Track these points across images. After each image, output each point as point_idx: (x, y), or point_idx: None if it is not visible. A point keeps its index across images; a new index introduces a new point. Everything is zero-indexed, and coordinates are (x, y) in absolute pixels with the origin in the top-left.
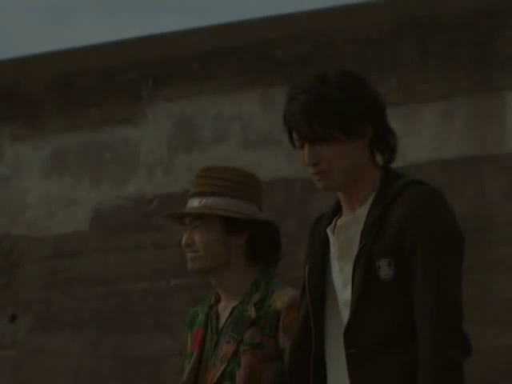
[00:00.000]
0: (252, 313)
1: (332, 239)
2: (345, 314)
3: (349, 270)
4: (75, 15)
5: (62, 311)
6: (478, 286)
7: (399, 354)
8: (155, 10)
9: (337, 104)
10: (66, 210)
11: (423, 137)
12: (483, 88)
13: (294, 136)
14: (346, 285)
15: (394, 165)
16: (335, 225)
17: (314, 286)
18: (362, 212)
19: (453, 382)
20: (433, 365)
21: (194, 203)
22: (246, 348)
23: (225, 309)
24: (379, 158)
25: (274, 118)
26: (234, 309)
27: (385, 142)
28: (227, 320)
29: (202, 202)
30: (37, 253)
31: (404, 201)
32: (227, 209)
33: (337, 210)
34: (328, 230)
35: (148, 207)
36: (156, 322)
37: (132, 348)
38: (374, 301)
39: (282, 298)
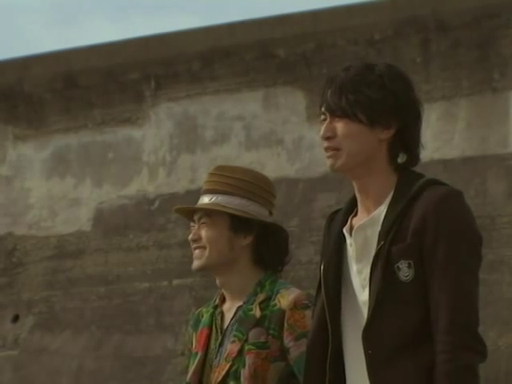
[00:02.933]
0: (257, 312)
1: (349, 240)
2: (363, 314)
3: (367, 272)
4: (85, 14)
5: (64, 311)
6: (480, 285)
7: (416, 356)
8: (166, 9)
9: (371, 88)
10: (69, 209)
11: (425, 137)
12: (485, 88)
13: (322, 109)
14: (364, 286)
15: None
16: (351, 225)
17: (330, 285)
18: (379, 212)
19: None
20: (448, 369)
21: (205, 200)
22: (251, 347)
23: (229, 309)
24: (400, 160)
25: (276, 118)
26: (238, 309)
27: (404, 143)
28: (232, 320)
29: (213, 200)
30: (39, 253)
31: (423, 201)
32: (237, 208)
33: (352, 208)
34: (345, 230)
35: (150, 207)
36: (158, 321)
37: (134, 348)
38: (393, 302)
39: (287, 297)
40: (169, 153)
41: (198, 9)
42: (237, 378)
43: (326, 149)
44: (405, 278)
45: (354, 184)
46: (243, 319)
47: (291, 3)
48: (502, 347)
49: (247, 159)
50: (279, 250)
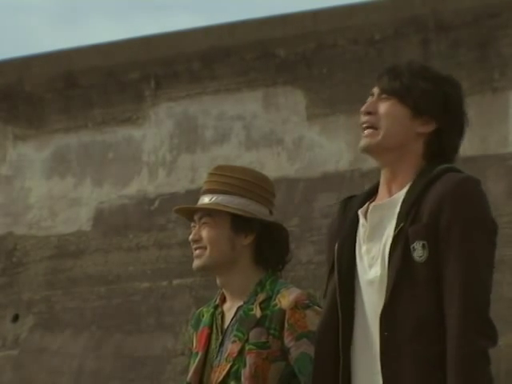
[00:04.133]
0: (257, 312)
1: (362, 221)
2: (370, 294)
3: (376, 251)
4: (88, 14)
5: (64, 311)
6: None
7: (429, 341)
8: (169, 8)
9: (426, 82)
10: (69, 209)
11: None
12: (486, 88)
13: (373, 90)
14: (371, 265)
15: None
16: (367, 208)
17: (343, 266)
18: (399, 196)
19: (480, 370)
20: (460, 353)
21: (205, 200)
22: (252, 347)
23: (230, 309)
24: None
25: (276, 117)
26: (239, 308)
27: (442, 145)
28: (232, 320)
29: (213, 199)
30: (39, 252)
31: (441, 185)
32: (237, 207)
33: (371, 195)
34: (359, 212)
35: (150, 207)
36: (158, 321)
37: (134, 348)
38: (408, 284)
39: (288, 297)
40: (169, 153)
41: (201, 8)
42: (237, 378)
43: (364, 126)
44: (419, 259)
45: (382, 168)
46: (244, 319)
47: (291, 3)
48: (502, 347)
49: (247, 159)
50: (280, 249)
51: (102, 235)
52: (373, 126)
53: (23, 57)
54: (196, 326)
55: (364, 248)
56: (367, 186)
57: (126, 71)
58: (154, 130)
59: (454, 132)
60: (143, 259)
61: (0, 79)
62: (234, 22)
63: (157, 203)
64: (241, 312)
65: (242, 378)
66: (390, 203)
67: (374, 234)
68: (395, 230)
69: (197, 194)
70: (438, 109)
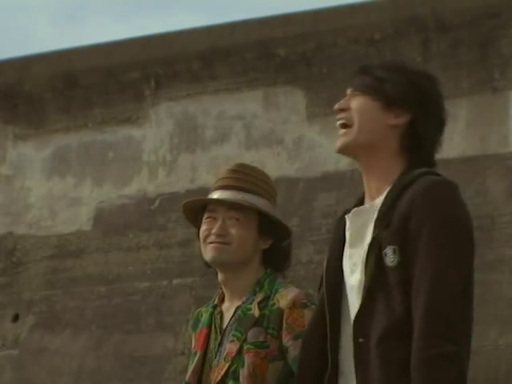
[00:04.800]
0: (256, 312)
1: (348, 225)
2: (351, 300)
3: (357, 257)
4: (90, 13)
5: (64, 311)
6: (480, 285)
7: (401, 346)
8: (170, 7)
9: (397, 75)
10: (69, 209)
11: None
12: (486, 88)
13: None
14: (353, 271)
15: None
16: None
17: (330, 273)
18: (379, 201)
19: (440, 375)
20: (420, 357)
21: (234, 196)
22: (250, 347)
23: (229, 309)
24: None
25: (276, 117)
26: (237, 308)
27: (417, 138)
28: (231, 320)
29: (245, 197)
30: (39, 252)
31: (413, 189)
32: (267, 210)
33: (361, 201)
34: (346, 216)
35: (150, 207)
36: (158, 321)
37: (134, 347)
38: (381, 289)
39: (286, 297)
40: (169, 152)
41: (202, 8)
42: (236, 378)
43: (339, 124)
44: (390, 264)
45: (362, 171)
46: (242, 319)
47: (291, 3)
48: (502, 347)
49: (247, 159)
50: (289, 256)
51: (101, 235)
52: (346, 123)
53: (23, 57)
54: (195, 326)
55: (347, 253)
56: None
57: (126, 71)
58: (154, 130)
59: (430, 124)
60: (143, 259)
61: (0, 79)
62: (234, 22)
63: (157, 203)
64: (239, 312)
65: (241, 378)
66: (371, 208)
67: (356, 240)
68: (372, 235)
69: (197, 193)
70: (411, 100)
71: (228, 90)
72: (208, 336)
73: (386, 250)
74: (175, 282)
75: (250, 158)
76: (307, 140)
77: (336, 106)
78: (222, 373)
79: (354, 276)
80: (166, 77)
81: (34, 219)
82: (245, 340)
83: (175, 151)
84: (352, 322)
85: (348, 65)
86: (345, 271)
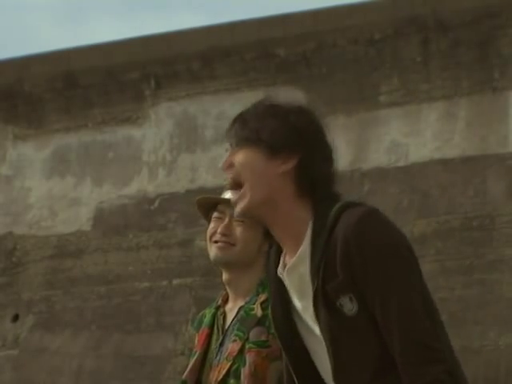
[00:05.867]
0: (258, 312)
1: (285, 281)
2: (322, 348)
3: (311, 309)
4: (92, 12)
5: (64, 311)
6: (480, 285)
7: (393, 380)
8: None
9: (275, 120)
10: (69, 209)
11: (425, 136)
12: (485, 87)
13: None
14: (314, 321)
15: (398, 164)
16: (284, 263)
17: (279, 326)
18: (304, 249)
19: None
20: None
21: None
22: (252, 346)
23: (232, 309)
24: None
25: None
26: (240, 309)
27: (311, 178)
28: (233, 320)
29: None
30: (39, 252)
31: (341, 230)
32: None
33: (280, 247)
34: (279, 273)
35: (150, 207)
36: (158, 321)
37: (134, 348)
38: (349, 340)
39: None
40: (169, 152)
41: (203, 8)
42: (237, 377)
43: (228, 183)
44: (351, 313)
45: (269, 227)
46: (244, 319)
47: (291, 3)
48: (502, 347)
49: None
50: None
51: (101, 235)
52: (236, 181)
53: (23, 57)
54: (198, 328)
55: (300, 306)
56: (367, 186)
57: (126, 71)
58: (153, 130)
59: (319, 159)
60: (143, 259)
61: (0, 79)
62: (234, 22)
63: (157, 203)
64: (242, 312)
65: (242, 377)
66: (299, 260)
67: (303, 293)
68: (312, 289)
69: (197, 193)
70: (292, 143)
71: (228, 90)
72: (209, 336)
73: (340, 301)
74: (175, 282)
75: None
76: None
77: (221, 166)
78: (224, 372)
79: (317, 326)
80: (166, 77)
81: (34, 219)
82: (247, 339)
83: (175, 151)
84: (332, 380)
85: (348, 65)
86: (308, 322)
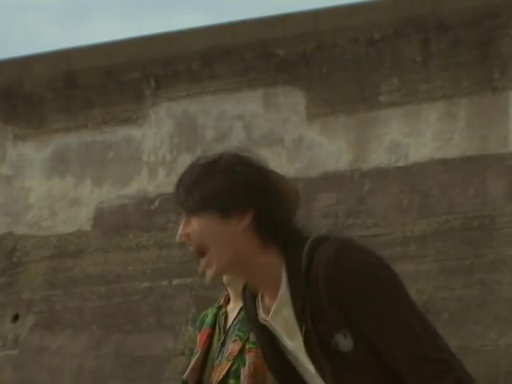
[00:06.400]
0: None
1: (271, 326)
2: (320, 382)
3: (303, 349)
4: (94, 12)
5: (64, 311)
6: (480, 285)
7: None
8: (174, 6)
9: (216, 180)
10: (69, 209)
11: (425, 136)
12: (485, 87)
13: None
14: (308, 360)
15: (398, 164)
16: (263, 306)
17: (275, 367)
18: (283, 293)
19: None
20: None
21: None
22: (252, 346)
23: (233, 309)
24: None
25: (276, 117)
26: (241, 309)
27: (271, 225)
28: (234, 320)
29: None
30: (39, 252)
31: (319, 268)
32: None
33: (252, 296)
34: (263, 320)
35: (150, 207)
36: (158, 321)
37: (134, 347)
38: (350, 375)
39: None
40: (169, 152)
41: (203, 8)
42: (237, 377)
43: (192, 252)
44: (347, 349)
45: (244, 279)
46: (245, 319)
47: (291, 3)
48: (502, 347)
49: None
50: None
51: (101, 235)
52: (199, 249)
53: (23, 57)
54: (200, 327)
55: (291, 345)
56: (367, 186)
57: (126, 71)
58: (153, 130)
59: (273, 203)
60: (143, 259)
61: (0, 79)
62: (234, 22)
63: (157, 203)
64: (243, 312)
65: (242, 377)
66: (281, 304)
67: (291, 334)
68: (300, 332)
69: None
70: (242, 198)
71: (228, 89)
72: (211, 336)
73: (334, 339)
74: (175, 282)
75: None
76: (307, 140)
77: (178, 238)
78: (224, 372)
79: (311, 364)
80: (166, 77)
81: (34, 219)
82: (247, 339)
83: (175, 151)
84: None
85: (348, 65)
86: (302, 360)
